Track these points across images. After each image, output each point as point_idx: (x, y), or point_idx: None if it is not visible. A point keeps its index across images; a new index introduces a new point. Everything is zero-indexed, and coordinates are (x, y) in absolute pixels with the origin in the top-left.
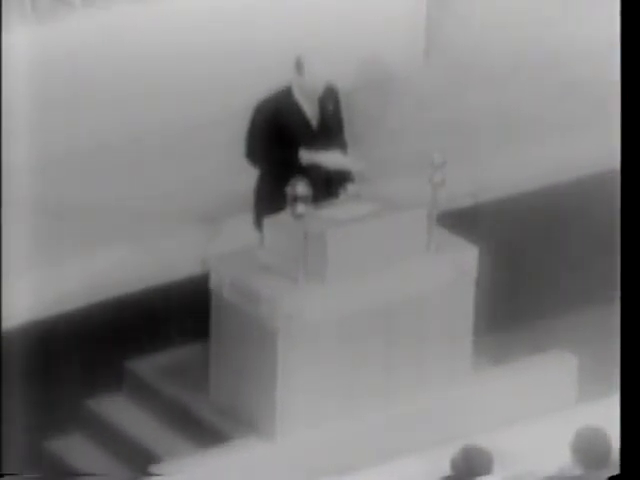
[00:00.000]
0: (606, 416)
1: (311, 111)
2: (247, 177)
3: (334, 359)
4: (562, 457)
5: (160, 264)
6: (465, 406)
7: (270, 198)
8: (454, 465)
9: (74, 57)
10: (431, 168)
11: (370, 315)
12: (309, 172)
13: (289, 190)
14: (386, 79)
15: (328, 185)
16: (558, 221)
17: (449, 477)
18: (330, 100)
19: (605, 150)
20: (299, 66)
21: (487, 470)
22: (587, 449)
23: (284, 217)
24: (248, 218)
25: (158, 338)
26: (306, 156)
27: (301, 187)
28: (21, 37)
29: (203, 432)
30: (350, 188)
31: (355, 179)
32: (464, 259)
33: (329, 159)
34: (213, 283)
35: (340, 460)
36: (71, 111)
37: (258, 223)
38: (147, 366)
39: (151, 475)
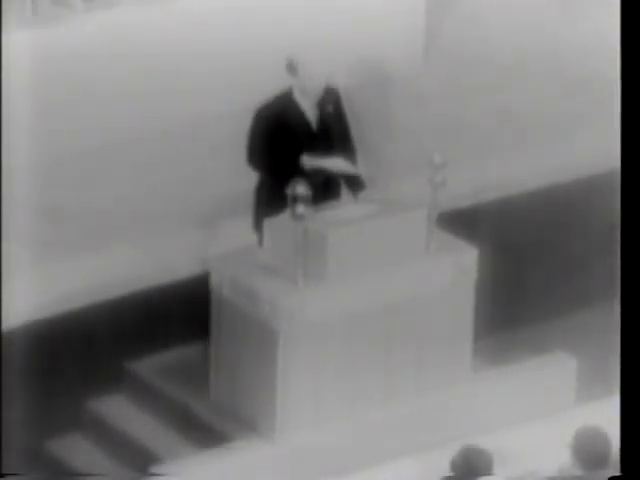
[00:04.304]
0: (606, 416)
1: (311, 113)
2: (248, 178)
3: (334, 360)
4: (562, 458)
5: (160, 264)
6: (465, 407)
7: (270, 201)
8: (454, 466)
9: (74, 58)
10: (431, 168)
11: (370, 316)
12: (310, 175)
13: (289, 191)
14: (384, 78)
15: (328, 187)
16: (558, 222)
17: (449, 478)
18: (330, 101)
19: (605, 150)
20: (291, 68)
21: (487, 471)
22: (587, 449)
23: (284, 218)
24: (248, 219)
25: (158, 338)
26: (308, 161)
27: (301, 188)
28: (21, 38)
29: (203, 433)
30: (362, 195)
31: (366, 185)
32: (464, 260)
33: (330, 165)
34: (213, 283)
35: (340, 461)
36: (71, 112)
37: (257, 226)
38: (147, 366)
39: (151, 476)
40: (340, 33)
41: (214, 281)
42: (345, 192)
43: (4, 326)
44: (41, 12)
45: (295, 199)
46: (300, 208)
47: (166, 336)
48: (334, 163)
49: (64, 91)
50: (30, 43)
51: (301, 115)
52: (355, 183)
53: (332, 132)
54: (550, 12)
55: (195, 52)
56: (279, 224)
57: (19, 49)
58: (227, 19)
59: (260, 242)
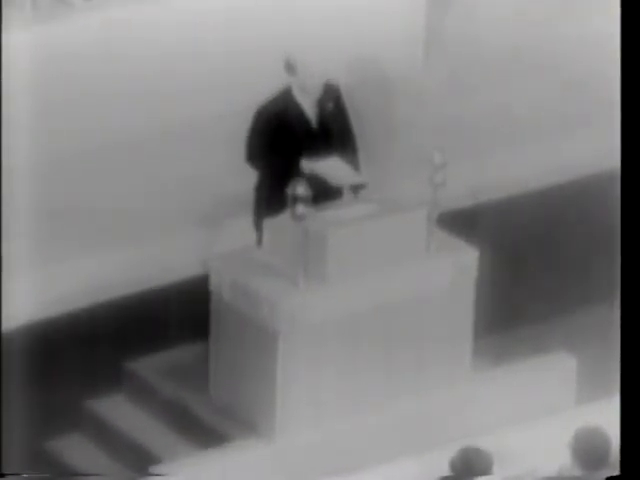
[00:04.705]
0: (606, 416)
1: (311, 111)
2: (248, 178)
3: (334, 360)
4: (561, 458)
5: (160, 265)
6: (465, 407)
7: (270, 199)
8: (453, 466)
9: (74, 58)
10: (431, 168)
11: (370, 316)
12: (310, 174)
13: (289, 191)
14: (384, 77)
15: (328, 186)
16: (558, 221)
17: (448, 478)
18: (329, 98)
19: (605, 150)
20: (289, 67)
21: (486, 471)
22: (586, 449)
23: (284, 218)
24: (249, 219)
25: (158, 339)
26: (308, 166)
27: (301, 188)
28: (21, 38)
29: (203, 433)
30: (362, 195)
31: (366, 185)
32: (464, 260)
33: (329, 172)
34: (213, 284)
35: (340, 461)
36: (71, 112)
37: (257, 225)
38: (147, 367)
39: (151, 475)
40: (340, 32)
41: (214, 282)
42: (346, 191)
43: (4, 326)
44: (41, 11)
45: (295, 199)
46: (300, 208)
47: (166, 336)
48: (334, 172)
49: (64, 91)
50: (30, 43)
51: (301, 113)
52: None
53: (332, 130)
54: (550, 12)
55: (195, 51)
56: (279, 224)
57: (19, 49)
58: (227, 18)
59: (259, 241)
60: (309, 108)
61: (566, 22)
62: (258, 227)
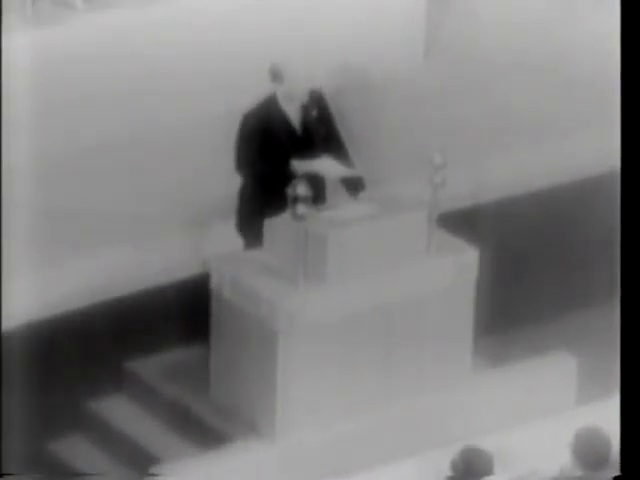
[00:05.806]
0: (606, 417)
1: (295, 117)
2: None
3: (334, 360)
4: (562, 458)
5: (160, 264)
6: (465, 407)
7: (255, 203)
8: (454, 467)
9: (74, 59)
10: (431, 169)
11: (370, 316)
12: (303, 173)
13: (289, 191)
14: (383, 78)
15: (315, 189)
16: (558, 222)
17: (449, 478)
18: (314, 105)
19: (605, 150)
20: (275, 75)
21: (487, 472)
22: (587, 450)
23: (284, 218)
24: None
25: (158, 339)
26: (301, 166)
27: (302, 188)
28: (22, 39)
29: (203, 433)
30: (362, 195)
31: (365, 186)
32: (464, 260)
33: (323, 168)
34: (214, 284)
35: (340, 461)
36: (71, 112)
37: (240, 229)
38: (147, 367)
39: (151, 476)
40: (341, 34)
41: (214, 281)
42: (331, 193)
43: (4, 326)
44: (41, 13)
45: (295, 199)
46: (301, 208)
47: (166, 336)
48: (328, 166)
49: (64, 91)
50: (30, 43)
51: (285, 120)
52: (355, 184)
53: (317, 136)
54: (550, 12)
55: (194, 53)
56: (279, 225)
57: (19, 49)
58: (226, 21)
59: (245, 245)
60: (293, 115)
61: (566, 22)
62: (241, 231)
